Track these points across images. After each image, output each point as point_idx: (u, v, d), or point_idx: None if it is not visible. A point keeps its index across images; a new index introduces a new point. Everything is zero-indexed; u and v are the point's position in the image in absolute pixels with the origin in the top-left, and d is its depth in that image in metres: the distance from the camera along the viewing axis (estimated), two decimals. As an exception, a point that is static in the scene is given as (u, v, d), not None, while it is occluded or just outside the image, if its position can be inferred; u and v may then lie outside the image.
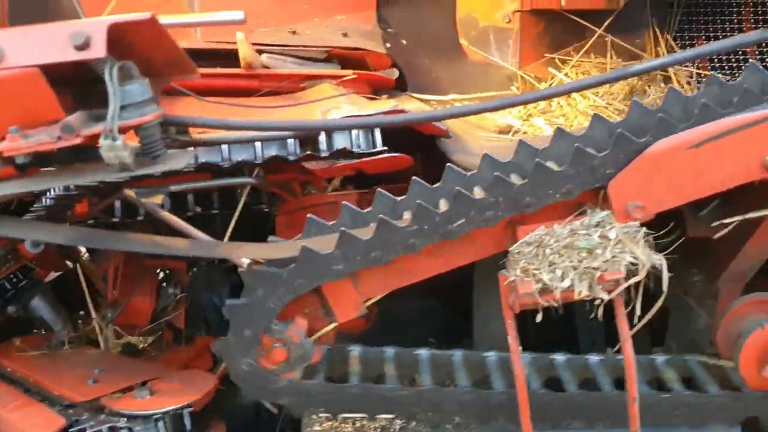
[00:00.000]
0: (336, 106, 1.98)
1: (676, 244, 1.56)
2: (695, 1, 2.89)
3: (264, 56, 2.02)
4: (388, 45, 2.48)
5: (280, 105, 1.86)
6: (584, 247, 1.36)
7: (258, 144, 1.81)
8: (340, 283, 1.50)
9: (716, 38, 2.89)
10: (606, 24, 2.75)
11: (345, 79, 2.19)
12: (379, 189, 1.53)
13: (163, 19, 1.28)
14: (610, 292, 1.40)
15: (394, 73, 2.39)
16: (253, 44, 2.17)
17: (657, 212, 1.42)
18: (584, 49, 2.75)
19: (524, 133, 2.31)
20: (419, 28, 2.73)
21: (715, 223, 1.54)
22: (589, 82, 1.70)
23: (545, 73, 2.77)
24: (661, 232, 1.47)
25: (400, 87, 2.46)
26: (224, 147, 1.80)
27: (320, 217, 1.58)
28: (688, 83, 2.80)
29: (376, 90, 2.36)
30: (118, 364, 1.96)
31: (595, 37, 2.76)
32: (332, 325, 1.56)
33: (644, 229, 1.40)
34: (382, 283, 1.53)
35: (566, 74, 2.75)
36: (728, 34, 2.89)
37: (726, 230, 1.54)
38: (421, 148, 2.01)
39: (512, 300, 1.42)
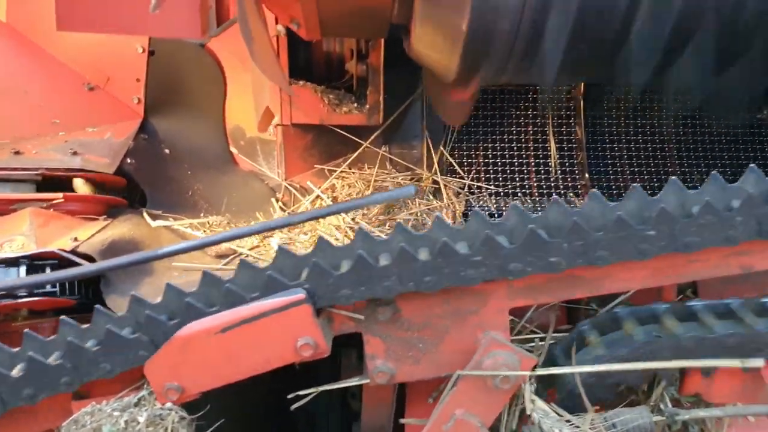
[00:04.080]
0: (11, 240, 1.98)
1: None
2: (474, 112, 2.91)
3: None
4: (130, 160, 2.50)
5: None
6: (107, 432, 1.35)
7: None
8: None
9: (494, 148, 2.92)
10: (371, 138, 2.78)
11: (54, 202, 2.21)
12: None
13: None
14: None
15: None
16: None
17: (198, 392, 1.41)
18: (347, 162, 2.78)
19: (246, 257, 2.31)
20: (187, 136, 2.76)
21: (291, 395, 1.53)
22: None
23: (318, 182, 2.80)
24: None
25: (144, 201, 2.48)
26: None
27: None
28: (457, 195, 2.82)
29: (110, 208, 2.37)
30: None
31: (360, 150, 2.79)
32: None
33: (176, 411, 1.38)
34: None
35: (332, 185, 2.77)
36: (507, 145, 2.92)
37: (304, 401, 1.53)
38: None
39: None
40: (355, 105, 2.71)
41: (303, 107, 2.64)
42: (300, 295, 1.36)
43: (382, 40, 2.53)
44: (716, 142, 2.94)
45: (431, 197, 2.81)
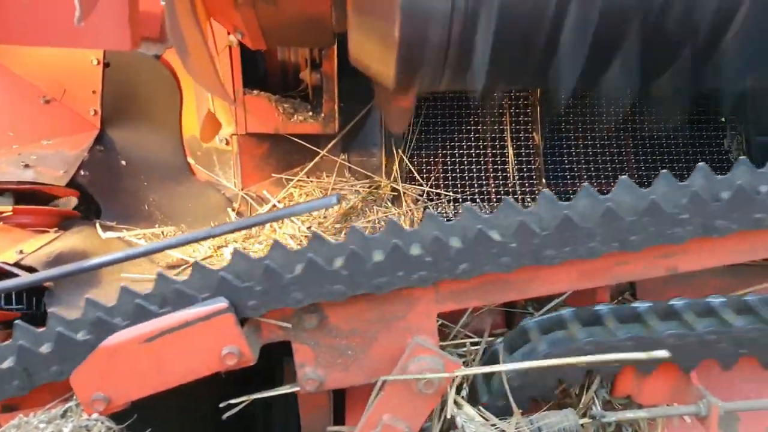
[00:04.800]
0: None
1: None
2: (432, 119, 2.93)
3: None
4: (84, 172, 2.50)
5: None
6: (30, 444, 1.34)
7: None
8: None
9: (453, 155, 2.93)
10: (328, 147, 2.79)
11: (4, 215, 2.21)
12: None
13: None
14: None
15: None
16: None
17: (126, 402, 1.41)
18: (304, 171, 2.79)
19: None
20: (144, 148, 2.76)
21: (223, 404, 1.53)
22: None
23: (276, 191, 2.80)
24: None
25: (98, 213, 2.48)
26: None
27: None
28: (416, 201, 2.83)
29: (63, 221, 2.37)
30: None
31: (318, 158, 2.80)
32: None
33: (102, 422, 1.38)
34: None
35: (290, 194, 2.78)
36: (465, 151, 2.94)
37: (236, 410, 1.53)
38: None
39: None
40: (310, 114, 2.72)
41: (257, 117, 2.65)
42: (222, 304, 1.36)
43: (335, 49, 2.55)
44: (672, 145, 2.97)
45: (390, 205, 2.82)
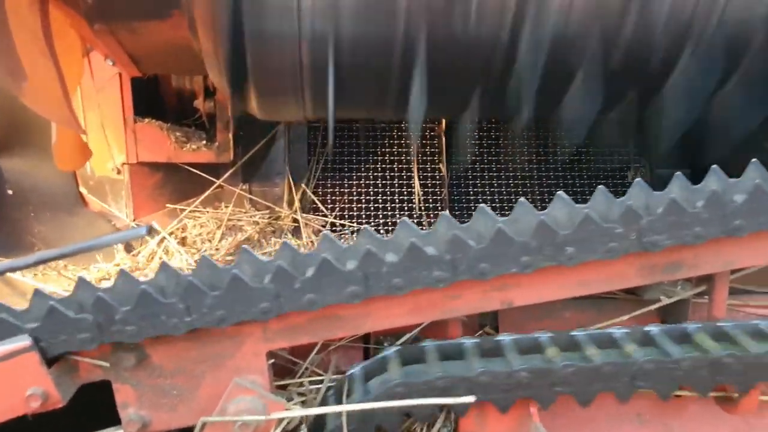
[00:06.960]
0: None
1: None
2: (339, 149, 2.90)
3: None
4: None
5: None
6: None
7: None
8: None
9: (359, 186, 2.89)
10: (225, 177, 2.74)
11: None
12: None
13: None
14: None
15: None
16: None
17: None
18: (198, 200, 2.72)
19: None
20: (34, 177, 2.68)
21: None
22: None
23: (170, 222, 2.72)
24: None
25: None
26: None
27: None
28: (318, 233, 2.77)
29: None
30: None
31: (213, 188, 2.73)
32: None
33: None
34: None
35: (184, 225, 2.70)
36: (372, 182, 2.90)
37: None
38: None
39: None
40: (204, 142, 2.66)
41: (149, 145, 2.59)
42: (25, 342, 1.28)
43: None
44: (577, 177, 2.97)
45: (290, 236, 2.76)
